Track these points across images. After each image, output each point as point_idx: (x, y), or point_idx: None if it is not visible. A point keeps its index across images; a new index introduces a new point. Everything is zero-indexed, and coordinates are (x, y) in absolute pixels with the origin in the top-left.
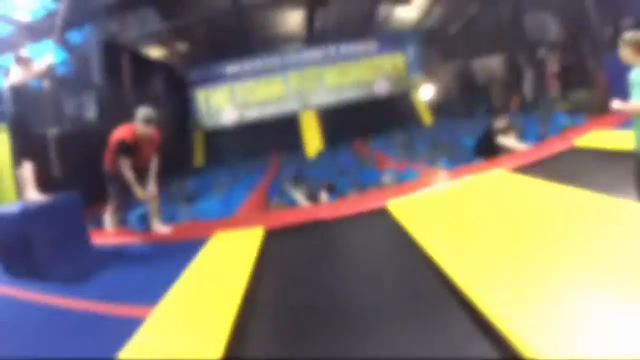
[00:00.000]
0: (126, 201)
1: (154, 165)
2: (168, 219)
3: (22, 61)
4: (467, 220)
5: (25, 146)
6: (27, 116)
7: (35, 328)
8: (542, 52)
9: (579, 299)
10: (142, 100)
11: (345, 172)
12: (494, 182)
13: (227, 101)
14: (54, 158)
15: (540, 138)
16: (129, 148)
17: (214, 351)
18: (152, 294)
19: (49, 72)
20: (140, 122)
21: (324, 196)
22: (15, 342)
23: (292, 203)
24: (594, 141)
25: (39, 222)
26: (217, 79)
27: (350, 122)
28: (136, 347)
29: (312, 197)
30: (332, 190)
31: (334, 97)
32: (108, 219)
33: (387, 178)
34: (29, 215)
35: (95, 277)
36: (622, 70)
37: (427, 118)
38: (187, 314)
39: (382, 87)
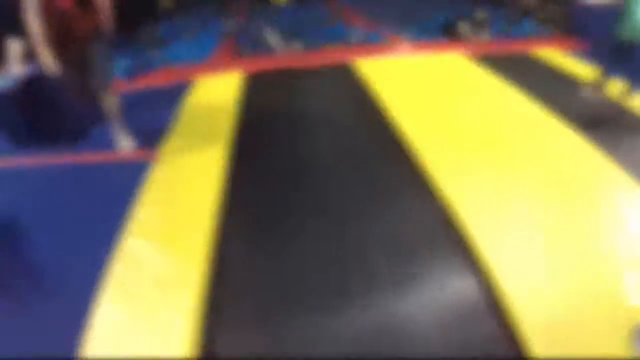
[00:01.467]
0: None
1: None
2: (143, 65)
3: None
4: (416, 86)
5: (8, 22)
6: None
7: (56, 187)
8: None
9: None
10: None
11: (315, 25)
12: (449, 63)
13: None
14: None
15: (503, 36)
16: None
17: (210, 193)
18: (152, 138)
19: None
20: None
21: (297, 44)
22: (42, 203)
23: (263, 49)
24: (548, 56)
25: (30, 92)
26: None
27: None
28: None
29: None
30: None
31: None
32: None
33: (355, 36)
34: (19, 87)
35: (95, 131)
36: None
37: None
38: (187, 158)
39: None
